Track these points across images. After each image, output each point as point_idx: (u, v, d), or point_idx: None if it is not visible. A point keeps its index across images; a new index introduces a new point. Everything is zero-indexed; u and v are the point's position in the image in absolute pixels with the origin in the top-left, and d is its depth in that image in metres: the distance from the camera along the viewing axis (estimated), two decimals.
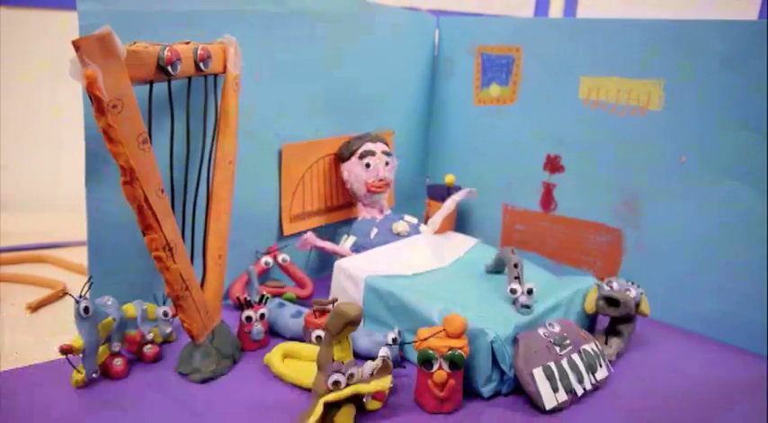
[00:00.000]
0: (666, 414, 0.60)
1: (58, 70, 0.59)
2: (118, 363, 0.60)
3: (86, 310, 0.56)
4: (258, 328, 0.67)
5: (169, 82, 0.60)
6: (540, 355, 0.58)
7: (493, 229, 0.98)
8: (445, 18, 1.02)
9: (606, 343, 0.70)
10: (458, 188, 0.96)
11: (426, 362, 0.56)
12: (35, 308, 0.75)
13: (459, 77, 1.00)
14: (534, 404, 0.58)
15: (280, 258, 0.82)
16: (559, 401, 0.58)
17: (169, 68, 0.56)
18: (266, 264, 0.80)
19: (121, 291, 0.67)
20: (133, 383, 0.59)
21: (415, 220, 0.89)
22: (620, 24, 0.81)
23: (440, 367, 0.56)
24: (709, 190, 0.76)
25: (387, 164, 0.86)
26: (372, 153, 0.85)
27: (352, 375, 0.54)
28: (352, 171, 0.86)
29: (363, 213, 0.88)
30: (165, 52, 0.56)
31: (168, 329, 0.66)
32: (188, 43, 0.61)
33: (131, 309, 0.63)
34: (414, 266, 0.76)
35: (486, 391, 0.60)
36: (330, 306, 0.65)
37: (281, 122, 0.80)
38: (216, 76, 0.66)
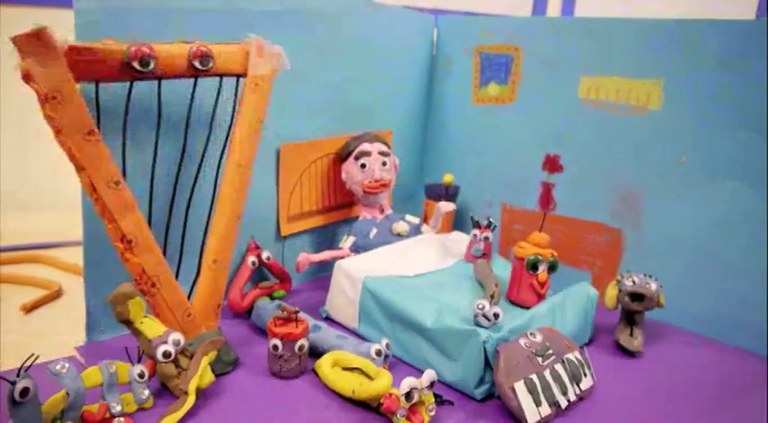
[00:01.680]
0: (666, 414, 0.59)
1: None
2: None
3: (24, 392, 0.44)
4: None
5: (159, 81, 0.60)
6: (521, 367, 0.57)
7: None
8: (444, 17, 1.02)
9: (632, 335, 0.72)
10: (456, 188, 0.96)
11: (534, 265, 0.68)
12: (29, 309, 0.75)
13: (458, 77, 1.00)
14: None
15: (264, 257, 0.78)
16: (543, 415, 0.56)
17: (136, 65, 0.56)
18: (253, 264, 0.77)
19: None
20: None
21: (416, 221, 0.89)
22: (619, 24, 0.81)
23: (544, 270, 0.68)
24: (708, 190, 0.76)
25: (384, 164, 0.86)
26: (368, 153, 0.85)
27: (178, 341, 0.55)
28: (349, 172, 0.85)
29: (364, 213, 0.87)
30: (131, 48, 0.55)
31: (145, 394, 0.54)
32: (190, 42, 0.61)
33: (95, 374, 0.52)
34: (416, 267, 0.75)
35: (479, 393, 0.60)
36: (294, 315, 0.61)
37: (279, 122, 0.79)
38: (238, 76, 0.66)
